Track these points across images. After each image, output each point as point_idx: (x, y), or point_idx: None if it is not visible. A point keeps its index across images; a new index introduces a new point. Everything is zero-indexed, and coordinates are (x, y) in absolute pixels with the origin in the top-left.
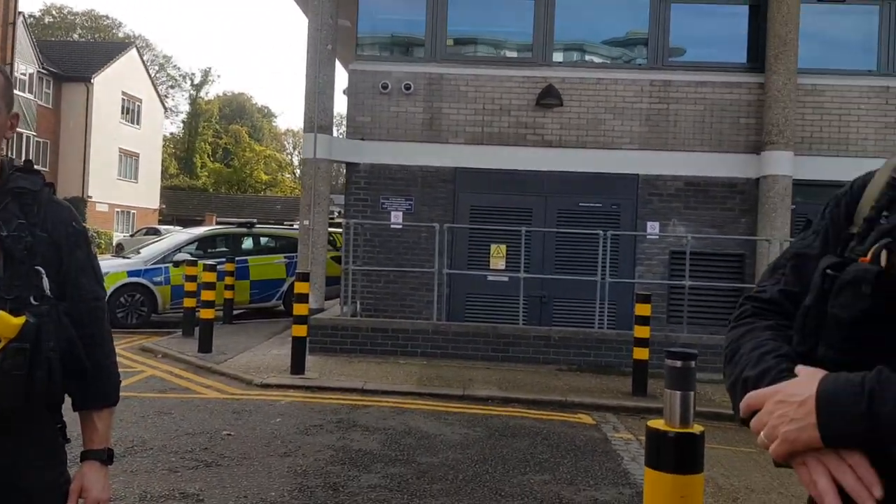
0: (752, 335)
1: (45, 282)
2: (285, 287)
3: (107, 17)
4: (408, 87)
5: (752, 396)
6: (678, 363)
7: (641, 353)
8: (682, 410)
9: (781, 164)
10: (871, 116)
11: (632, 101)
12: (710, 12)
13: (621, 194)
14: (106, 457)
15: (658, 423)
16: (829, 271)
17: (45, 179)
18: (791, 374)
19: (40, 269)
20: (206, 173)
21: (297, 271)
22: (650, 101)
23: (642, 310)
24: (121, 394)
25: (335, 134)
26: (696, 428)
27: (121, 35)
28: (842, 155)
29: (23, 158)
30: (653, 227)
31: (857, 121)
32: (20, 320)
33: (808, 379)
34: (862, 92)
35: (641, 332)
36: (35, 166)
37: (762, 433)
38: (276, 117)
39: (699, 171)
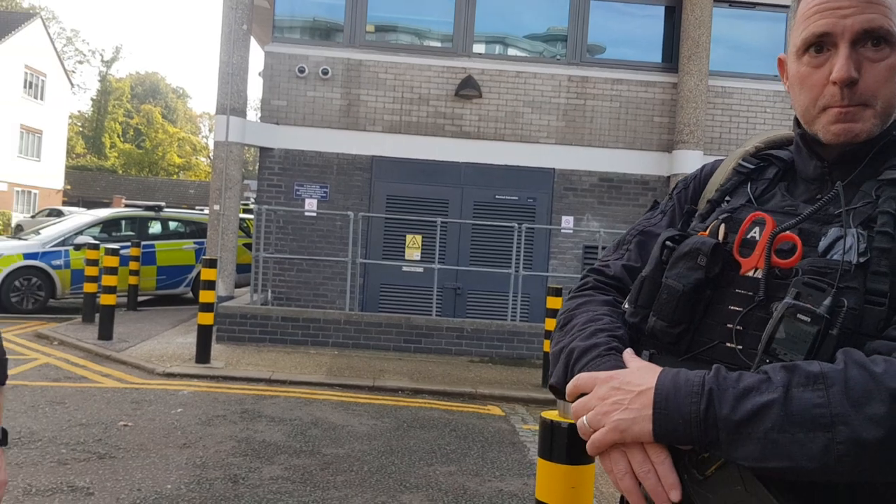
0: (589, 307)
1: None
2: (194, 274)
3: None
4: (325, 73)
5: (582, 378)
6: None
7: None
8: None
9: (692, 164)
10: (776, 120)
11: (550, 96)
12: (627, 12)
13: (537, 188)
14: (3, 436)
15: (551, 414)
16: (668, 243)
17: None
18: (616, 356)
19: None
20: (115, 154)
21: (204, 257)
22: (567, 97)
23: (554, 303)
24: (10, 382)
25: (250, 117)
26: None
27: (25, 5)
28: None
29: None
30: (567, 222)
31: (762, 123)
32: None
33: (646, 371)
34: (767, 96)
35: (553, 324)
36: None
37: (587, 417)
38: (190, 98)
39: (613, 168)
